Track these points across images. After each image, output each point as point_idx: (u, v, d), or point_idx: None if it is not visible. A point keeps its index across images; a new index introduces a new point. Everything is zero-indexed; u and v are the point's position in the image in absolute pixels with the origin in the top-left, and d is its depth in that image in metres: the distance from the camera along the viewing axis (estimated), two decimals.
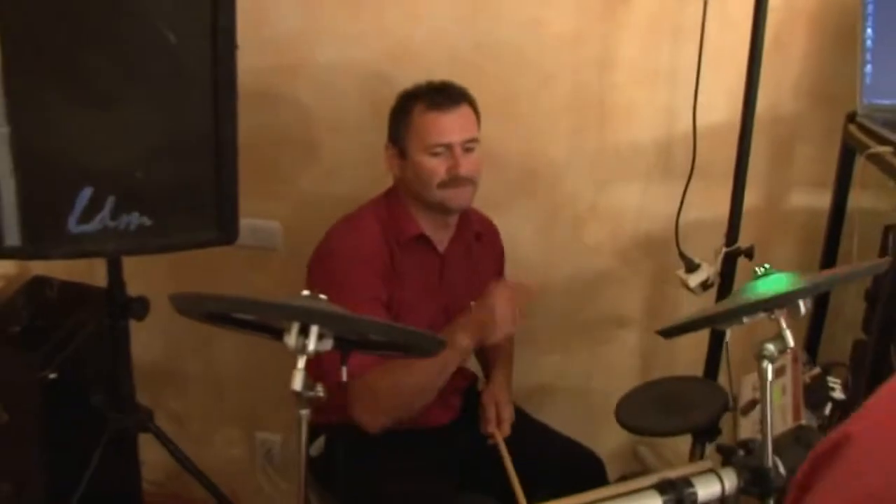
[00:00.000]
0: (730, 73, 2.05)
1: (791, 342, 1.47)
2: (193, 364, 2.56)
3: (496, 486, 1.92)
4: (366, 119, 2.22)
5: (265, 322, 1.43)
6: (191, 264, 2.25)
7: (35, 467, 2.05)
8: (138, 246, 1.79)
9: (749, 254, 2.07)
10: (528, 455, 1.85)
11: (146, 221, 1.76)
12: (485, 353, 2.11)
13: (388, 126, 1.94)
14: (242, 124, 1.79)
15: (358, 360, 1.39)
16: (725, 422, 1.83)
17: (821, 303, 2.19)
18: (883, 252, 1.92)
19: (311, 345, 1.32)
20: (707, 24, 1.99)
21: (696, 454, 1.91)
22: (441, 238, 1.98)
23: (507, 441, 1.88)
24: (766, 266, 1.57)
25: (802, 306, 1.46)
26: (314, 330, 1.32)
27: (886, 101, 1.97)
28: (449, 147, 1.85)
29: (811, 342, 2.18)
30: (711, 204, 2.15)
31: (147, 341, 2.36)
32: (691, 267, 2.09)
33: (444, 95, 1.88)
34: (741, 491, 1.49)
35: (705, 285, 2.08)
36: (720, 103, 2.11)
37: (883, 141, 1.83)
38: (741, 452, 1.54)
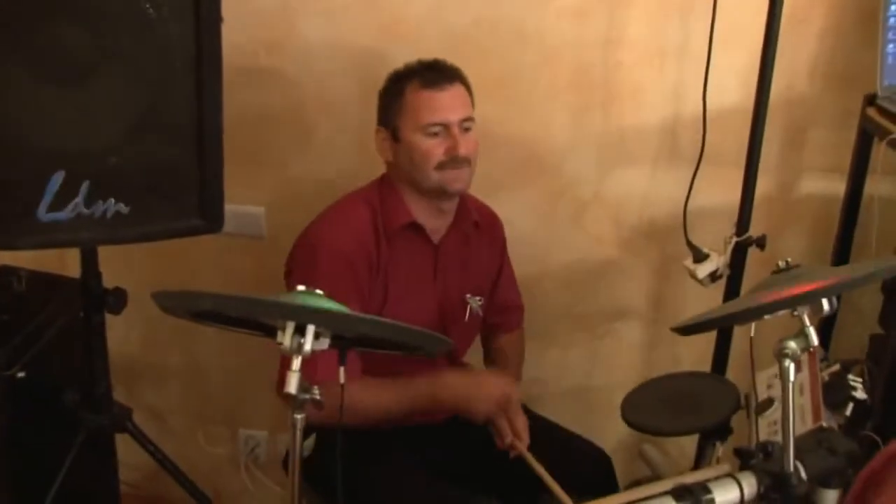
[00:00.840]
0: (742, 53, 2.00)
1: (815, 340, 1.40)
2: (173, 358, 2.51)
3: (492, 485, 1.91)
4: (355, 99, 2.16)
5: (256, 320, 1.33)
6: (169, 252, 2.16)
7: (3, 472, 1.96)
8: (115, 235, 1.70)
9: (761, 243, 2.01)
10: (533, 452, 1.82)
11: (123, 208, 1.67)
12: (492, 361, 2.08)
13: (377, 109, 1.89)
14: (224, 104, 1.70)
15: (328, 365, 1.33)
16: (735, 420, 1.78)
17: None
18: None
19: (308, 345, 1.24)
20: None
21: (705, 454, 1.84)
22: (436, 227, 1.92)
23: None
24: (788, 260, 1.50)
25: (826, 304, 1.39)
26: (311, 329, 1.24)
27: None
28: (446, 126, 1.81)
29: (823, 337, 2.12)
30: (721, 190, 2.10)
31: (123, 334, 2.29)
32: (699, 257, 2.04)
33: (438, 73, 1.83)
34: (761, 497, 1.42)
35: (714, 276, 2.03)
36: (731, 84, 2.06)
37: None
38: (760, 456, 1.46)
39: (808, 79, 2.07)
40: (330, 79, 2.17)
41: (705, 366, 2.12)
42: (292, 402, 1.29)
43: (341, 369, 1.33)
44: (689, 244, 2.04)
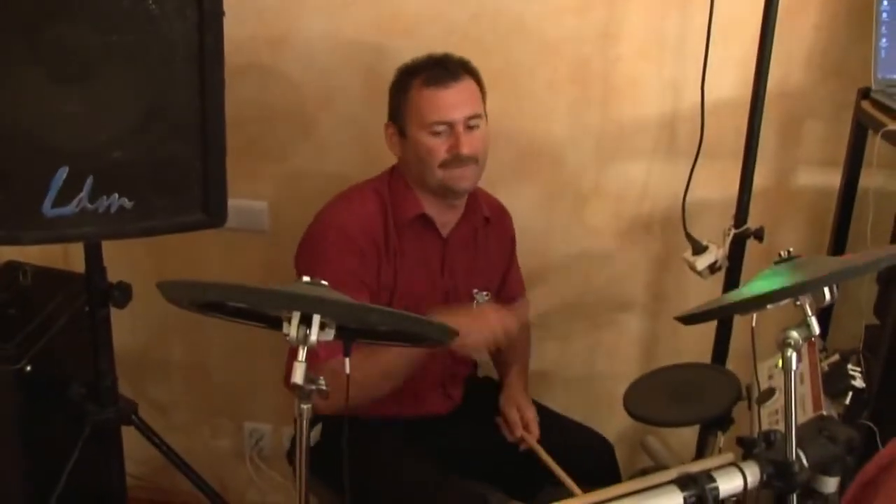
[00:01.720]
0: (740, 46, 2.00)
1: (817, 330, 1.42)
2: (178, 352, 2.50)
3: (497, 476, 1.93)
4: (356, 94, 2.16)
5: (261, 311, 1.34)
6: (172, 247, 2.20)
7: (11, 465, 1.96)
8: (119, 230, 1.70)
9: (759, 235, 2.02)
10: (537, 441, 1.83)
11: (127, 203, 1.68)
12: (499, 352, 2.05)
13: (388, 103, 1.87)
14: (225, 99, 1.70)
15: (327, 347, 1.31)
16: (734, 410, 1.78)
17: None
18: None
19: (314, 335, 1.24)
20: None
21: (707, 444, 1.85)
22: (446, 220, 1.91)
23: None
24: (790, 250, 1.52)
25: (828, 293, 1.40)
26: (316, 319, 1.24)
27: None
28: (450, 125, 1.78)
29: (820, 326, 2.12)
30: (719, 183, 2.10)
31: (128, 328, 2.29)
32: (698, 249, 2.04)
33: (444, 69, 1.80)
34: (763, 485, 1.43)
35: (713, 268, 2.03)
36: (729, 77, 2.06)
37: None
38: (762, 445, 1.47)
39: (803, 72, 2.07)
40: (331, 74, 2.16)
41: (706, 357, 2.12)
42: (299, 393, 1.29)
43: (346, 360, 1.32)
44: (689, 236, 2.04)
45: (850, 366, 1.70)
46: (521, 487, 1.89)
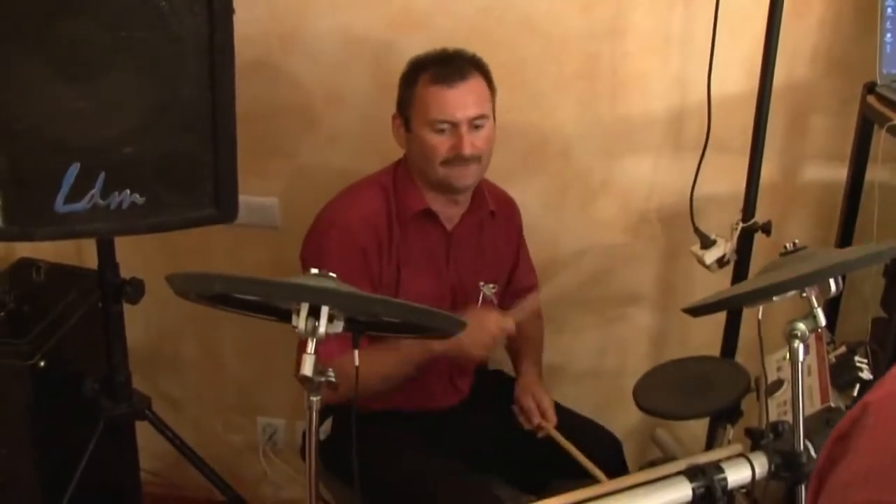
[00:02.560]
0: (746, 41, 2.00)
1: (823, 321, 1.43)
2: (191, 347, 2.50)
3: (506, 468, 1.93)
4: (365, 89, 2.16)
5: (271, 303, 1.35)
6: (183, 243, 2.20)
7: (26, 460, 1.98)
8: (130, 225, 1.72)
9: (766, 229, 2.02)
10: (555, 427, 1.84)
11: (138, 199, 1.69)
12: (513, 343, 2.05)
13: (397, 93, 1.86)
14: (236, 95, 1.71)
15: (337, 343, 1.33)
16: (745, 402, 1.78)
17: None
18: None
19: (322, 327, 1.26)
20: None
21: (716, 436, 1.85)
22: (451, 214, 1.90)
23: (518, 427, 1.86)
24: (796, 241, 1.52)
25: (833, 284, 1.41)
26: (325, 311, 1.25)
27: None
28: (454, 124, 1.76)
29: (828, 321, 2.11)
30: (726, 177, 2.10)
31: (141, 324, 2.30)
32: (707, 243, 2.03)
33: (452, 67, 1.78)
34: (771, 476, 1.44)
35: (722, 262, 2.03)
36: (735, 72, 2.05)
37: None
38: (770, 436, 1.48)
39: (809, 67, 2.06)
40: (341, 69, 2.16)
41: (714, 350, 2.12)
42: (308, 385, 1.30)
43: (356, 352, 1.33)
44: (697, 230, 2.04)
45: (857, 357, 1.71)
46: (528, 478, 1.89)
